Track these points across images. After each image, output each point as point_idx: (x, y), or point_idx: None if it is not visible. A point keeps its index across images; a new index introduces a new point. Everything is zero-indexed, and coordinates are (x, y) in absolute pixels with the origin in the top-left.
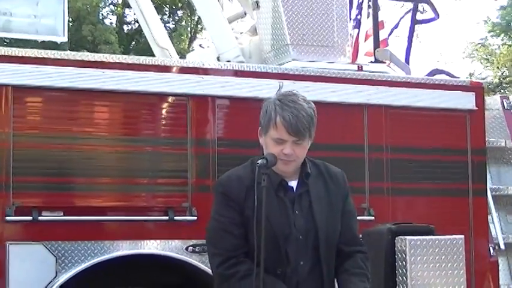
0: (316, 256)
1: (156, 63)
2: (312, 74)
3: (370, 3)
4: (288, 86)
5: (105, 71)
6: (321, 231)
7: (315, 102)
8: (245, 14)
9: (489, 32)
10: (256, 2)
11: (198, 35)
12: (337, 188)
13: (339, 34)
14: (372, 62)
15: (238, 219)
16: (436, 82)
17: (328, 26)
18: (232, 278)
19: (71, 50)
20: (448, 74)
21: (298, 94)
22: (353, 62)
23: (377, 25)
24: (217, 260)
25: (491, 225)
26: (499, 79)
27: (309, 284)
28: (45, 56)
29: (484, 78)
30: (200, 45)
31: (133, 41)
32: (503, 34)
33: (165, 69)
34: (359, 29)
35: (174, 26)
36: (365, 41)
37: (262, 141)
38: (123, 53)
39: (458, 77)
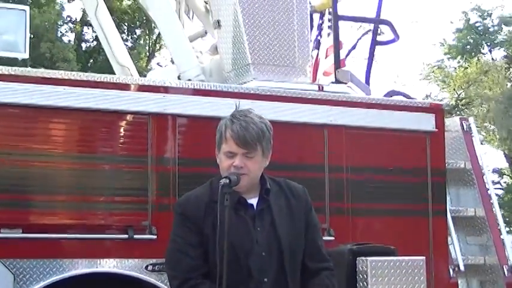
0: (281, 272)
1: (117, 81)
2: (273, 93)
3: (331, 24)
4: (249, 105)
5: (65, 87)
6: (285, 246)
7: (276, 122)
8: (206, 32)
9: (445, 54)
10: (218, 21)
11: (156, 54)
12: (299, 202)
13: (300, 54)
14: (332, 82)
15: (196, 240)
16: (397, 103)
17: (289, 46)
18: None
19: (29, 67)
20: (405, 95)
21: (252, 111)
22: (313, 81)
23: (338, 45)
24: (176, 282)
25: (450, 247)
26: (456, 101)
27: None
28: (4, 72)
29: (440, 100)
30: (158, 63)
31: (92, 59)
32: (459, 56)
33: (126, 87)
34: (318, 49)
35: (132, 44)
36: (326, 57)
37: (218, 161)
38: (81, 71)
39: (415, 99)
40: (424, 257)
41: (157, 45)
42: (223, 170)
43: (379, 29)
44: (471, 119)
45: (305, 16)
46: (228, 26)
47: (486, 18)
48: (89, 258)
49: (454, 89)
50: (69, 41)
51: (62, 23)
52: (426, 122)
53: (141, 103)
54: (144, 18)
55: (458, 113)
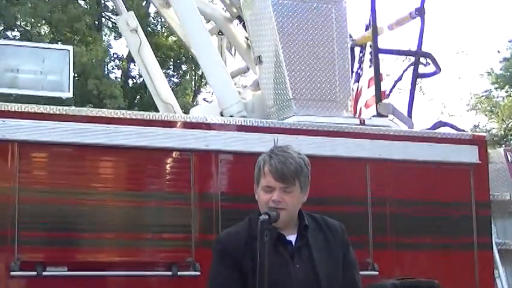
0: None
1: (160, 119)
2: (314, 128)
3: (371, 57)
4: (291, 140)
5: (109, 126)
6: (323, 283)
7: (318, 157)
8: (248, 68)
9: (493, 83)
10: (259, 56)
11: (202, 89)
12: (337, 239)
13: (340, 89)
14: (374, 115)
15: (236, 276)
16: (439, 136)
17: (330, 80)
18: None
19: (77, 103)
20: (452, 126)
21: (290, 147)
22: (354, 115)
23: (379, 79)
24: None
25: (497, 280)
26: (504, 131)
27: None
28: (51, 111)
29: (489, 131)
30: (204, 99)
31: (138, 95)
32: (507, 86)
33: (169, 124)
34: (359, 82)
35: (178, 80)
36: (368, 87)
37: (257, 197)
38: (128, 107)
39: (462, 130)
40: None
41: (203, 80)
42: (262, 205)
43: (422, 60)
44: None
45: (345, 50)
46: (269, 62)
47: None
48: None
49: (503, 119)
50: (116, 77)
51: (108, 60)
52: (469, 154)
53: (183, 140)
54: (190, 54)
55: (507, 143)
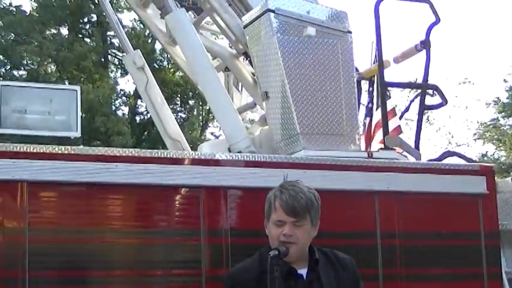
0: None
1: (168, 156)
2: (323, 162)
3: (379, 91)
4: (300, 175)
5: (117, 164)
6: None
7: (327, 191)
8: (255, 104)
9: (500, 112)
10: (266, 92)
11: (210, 124)
12: (347, 273)
13: (348, 122)
14: (382, 148)
15: None
16: (446, 167)
17: (337, 114)
18: None
19: (84, 141)
20: (460, 155)
21: (301, 182)
22: (366, 149)
23: (385, 113)
24: None
25: None
26: None
27: None
28: (59, 151)
29: (497, 159)
30: (212, 133)
31: (146, 131)
32: None
33: (177, 161)
34: (371, 117)
35: (185, 115)
36: (377, 130)
37: (267, 232)
38: (136, 144)
39: (470, 159)
40: None
41: (210, 115)
42: (273, 240)
43: (429, 91)
44: None
45: (352, 84)
46: (276, 97)
47: None
48: None
49: (510, 148)
50: (123, 114)
51: (115, 97)
52: (477, 185)
53: (192, 177)
54: (197, 89)
55: None
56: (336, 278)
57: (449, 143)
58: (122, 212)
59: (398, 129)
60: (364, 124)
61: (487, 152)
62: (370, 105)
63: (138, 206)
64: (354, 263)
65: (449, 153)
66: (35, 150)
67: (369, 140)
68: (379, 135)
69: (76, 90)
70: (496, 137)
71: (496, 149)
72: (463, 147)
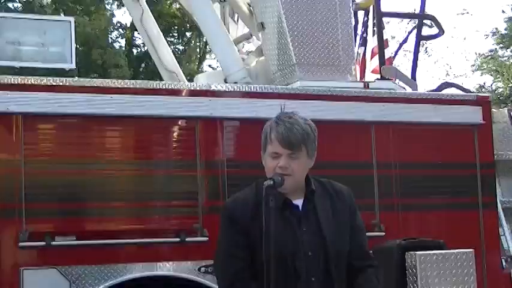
0: (327, 272)
1: (164, 87)
2: (319, 93)
3: (375, 21)
4: (295, 105)
5: (113, 96)
6: (331, 247)
7: (323, 121)
8: (251, 35)
9: (498, 43)
10: (261, 23)
11: (207, 56)
12: (344, 204)
13: (344, 53)
14: (378, 79)
15: (244, 242)
16: (443, 97)
17: (333, 45)
18: None
19: (81, 74)
20: (458, 86)
21: (297, 113)
22: (360, 79)
23: (382, 43)
24: (224, 284)
25: (502, 238)
26: (510, 90)
27: None
28: (54, 83)
29: (494, 90)
30: (210, 65)
31: (143, 64)
32: None
33: (173, 92)
34: (365, 46)
35: (183, 47)
36: (371, 58)
37: (264, 163)
38: (133, 76)
39: (468, 90)
40: (472, 250)
41: (207, 47)
42: (269, 171)
43: (427, 22)
44: None
45: (348, 14)
46: (272, 28)
47: None
48: (143, 262)
49: (508, 79)
50: (120, 46)
51: (112, 30)
52: (473, 115)
53: (188, 108)
54: (194, 21)
55: None
56: (332, 208)
57: (447, 74)
58: (117, 143)
59: (391, 60)
60: (358, 54)
61: (484, 83)
62: (364, 35)
63: (134, 137)
64: (351, 194)
65: (447, 85)
66: (29, 82)
67: (363, 70)
68: (372, 64)
69: (70, 22)
70: (494, 68)
71: (493, 80)
72: (461, 78)
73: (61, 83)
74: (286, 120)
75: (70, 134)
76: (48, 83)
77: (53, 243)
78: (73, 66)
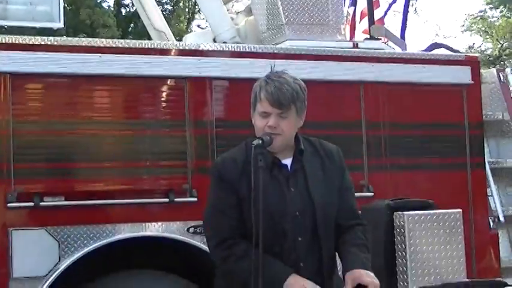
0: (315, 232)
1: (153, 47)
2: (308, 53)
3: None
4: (284, 65)
5: (101, 55)
6: (318, 207)
7: (311, 81)
8: None
9: (487, 4)
10: None
11: (196, 16)
12: (333, 164)
13: (333, 12)
14: (367, 39)
15: (234, 201)
16: (432, 57)
17: (322, 4)
18: (228, 259)
19: (69, 34)
20: (447, 47)
21: (287, 72)
22: (350, 39)
23: (371, 2)
24: (214, 241)
25: (490, 198)
26: (499, 51)
27: (307, 260)
28: (42, 42)
29: (483, 51)
30: (199, 25)
31: (132, 24)
32: (502, 6)
33: (162, 52)
34: (355, 6)
35: (172, 7)
36: (361, 19)
37: (253, 122)
38: (122, 36)
39: (457, 50)
40: (460, 210)
41: (196, 7)
42: (258, 131)
43: None
44: (508, 70)
45: None
46: None
47: None
48: (132, 222)
49: (497, 40)
50: (109, 6)
51: None
52: (462, 75)
53: (177, 67)
54: None
55: (502, 63)
56: (321, 167)
57: (437, 34)
58: (106, 103)
59: (382, 21)
60: (348, 14)
61: (474, 43)
62: None
63: (123, 97)
64: (340, 153)
65: (436, 45)
66: (17, 42)
67: (353, 30)
68: (362, 24)
69: None
70: (483, 29)
71: (483, 41)
72: (451, 39)
73: (50, 42)
74: (276, 79)
75: (58, 93)
76: (37, 42)
77: (42, 203)
78: (61, 25)
